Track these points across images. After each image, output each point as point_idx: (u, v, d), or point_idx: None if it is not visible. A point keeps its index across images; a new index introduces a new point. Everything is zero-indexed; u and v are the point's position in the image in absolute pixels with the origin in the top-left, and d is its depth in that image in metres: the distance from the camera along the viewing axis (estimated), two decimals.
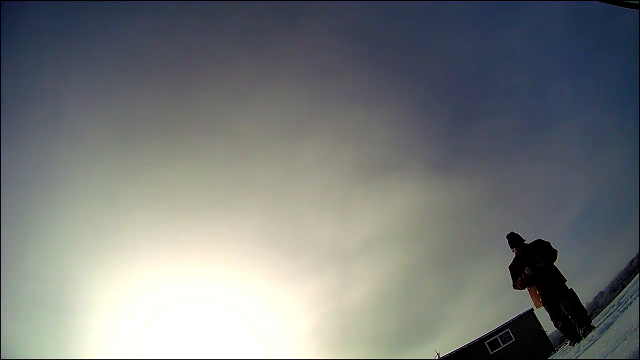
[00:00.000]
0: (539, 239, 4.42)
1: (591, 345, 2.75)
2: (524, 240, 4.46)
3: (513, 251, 4.47)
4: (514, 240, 4.47)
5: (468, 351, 17.43)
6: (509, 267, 4.48)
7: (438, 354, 18.09)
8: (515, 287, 4.41)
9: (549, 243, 4.37)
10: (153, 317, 25.50)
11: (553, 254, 4.32)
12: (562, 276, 4.25)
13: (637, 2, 2.42)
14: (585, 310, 4.11)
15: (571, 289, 4.14)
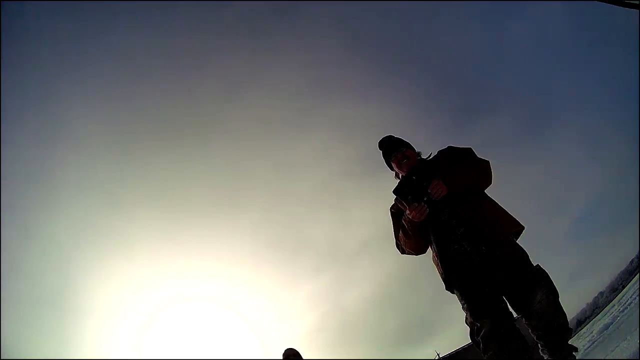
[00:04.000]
0: (449, 147, 2.08)
1: (591, 345, 2.75)
2: (419, 155, 2.09)
3: (393, 170, 2.12)
4: (391, 145, 2.11)
5: (468, 351, 17.42)
6: (390, 209, 2.09)
7: (438, 354, 18.08)
8: (400, 247, 2.06)
9: (469, 150, 2.02)
10: (153, 317, 25.50)
11: (477, 167, 1.95)
12: (509, 218, 1.85)
13: (637, 2, 2.43)
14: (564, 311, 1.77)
15: (537, 266, 1.74)
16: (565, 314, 1.74)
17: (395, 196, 1.92)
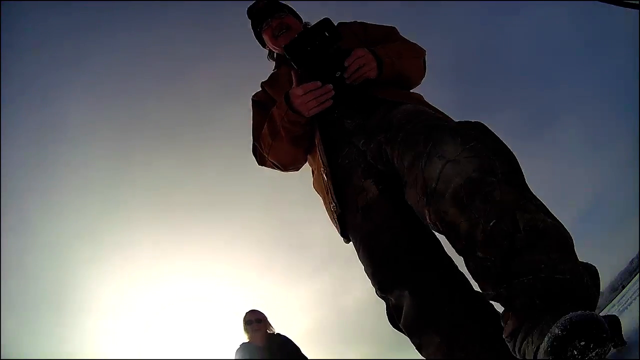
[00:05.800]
0: (357, 21, 1.35)
1: None
2: (306, 27, 1.35)
3: (265, 47, 1.41)
4: (264, 9, 1.31)
5: None
6: (252, 97, 1.36)
7: None
8: (259, 154, 1.23)
9: (393, 28, 1.31)
10: (153, 317, 25.61)
11: (415, 50, 1.24)
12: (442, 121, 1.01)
13: (637, 2, 2.43)
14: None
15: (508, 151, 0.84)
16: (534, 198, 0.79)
17: (287, 56, 1.05)
